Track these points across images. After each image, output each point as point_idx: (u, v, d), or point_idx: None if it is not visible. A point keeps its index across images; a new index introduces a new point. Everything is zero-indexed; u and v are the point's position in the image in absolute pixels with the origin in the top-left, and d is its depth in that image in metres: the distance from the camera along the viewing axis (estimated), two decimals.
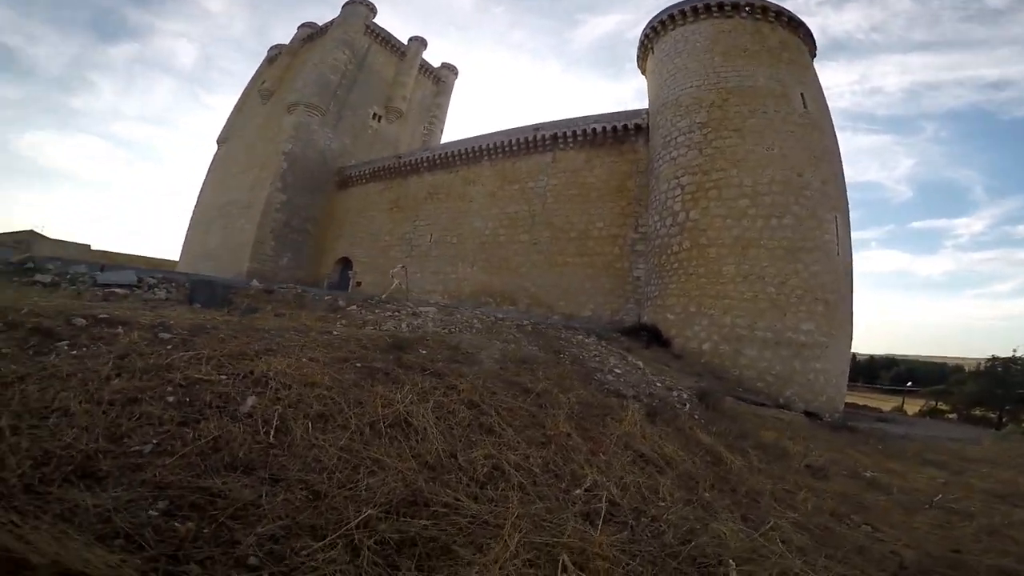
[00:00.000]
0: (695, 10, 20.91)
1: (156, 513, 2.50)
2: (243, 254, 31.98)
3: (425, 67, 45.37)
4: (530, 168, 25.53)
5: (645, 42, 23.93)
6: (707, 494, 4.61)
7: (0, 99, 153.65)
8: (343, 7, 40.13)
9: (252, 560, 2.35)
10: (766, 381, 14.84)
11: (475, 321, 9.99)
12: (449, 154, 29.39)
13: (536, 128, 25.66)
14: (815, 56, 22.47)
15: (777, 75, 18.75)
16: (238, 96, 45.40)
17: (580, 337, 11.83)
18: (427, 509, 3.04)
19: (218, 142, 43.31)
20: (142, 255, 42.55)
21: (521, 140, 25.95)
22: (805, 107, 18.43)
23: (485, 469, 3.76)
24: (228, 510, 2.64)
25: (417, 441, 3.92)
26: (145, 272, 10.13)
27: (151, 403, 3.53)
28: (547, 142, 25.04)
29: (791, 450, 7.52)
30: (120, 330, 4.92)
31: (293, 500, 2.88)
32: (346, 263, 33.42)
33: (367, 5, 40.43)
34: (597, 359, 9.28)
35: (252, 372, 4.37)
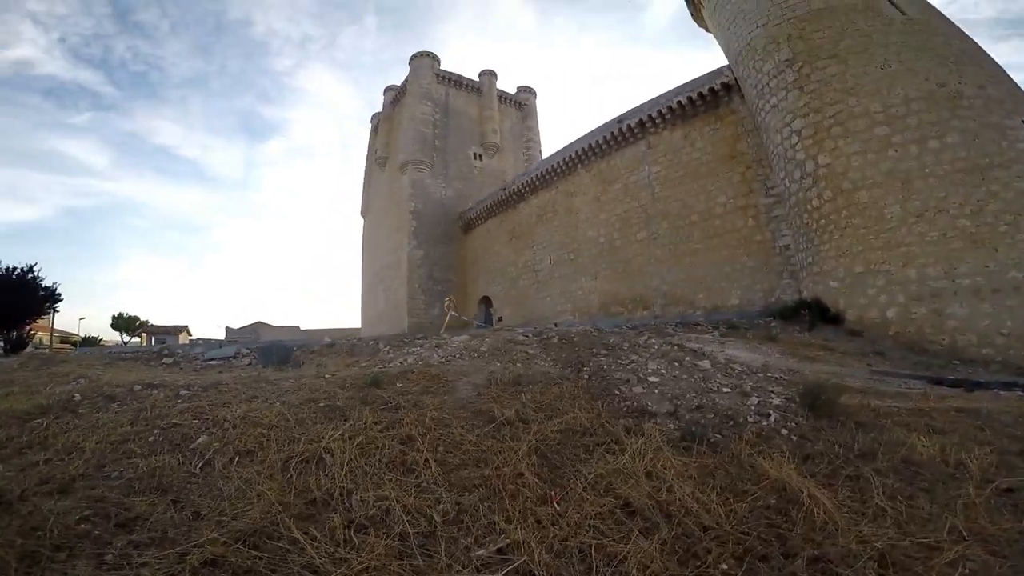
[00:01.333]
0: None
1: (77, 518, 3.22)
2: (403, 311, 35.39)
3: (504, 96, 46.43)
4: (627, 162, 24.30)
5: None
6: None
7: (202, 204, 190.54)
8: (409, 63, 42.55)
9: (108, 557, 2.87)
10: (995, 345, 10.81)
11: (484, 345, 9.19)
12: (545, 171, 29.22)
13: (620, 119, 24.33)
14: None
15: None
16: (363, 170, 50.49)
17: (647, 338, 9.54)
18: (274, 543, 3.01)
19: (362, 215, 48.36)
20: (337, 327, 49.99)
21: (608, 136, 24.85)
22: (904, 13, 15.19)
23: (371, 512, 3.38)
24: (120, 519, 3.28)
25: (319, 477, 3.86)
26: (244, 345, 11.88)
27: (136, 443, 4.58)
28: (635, 131, 23.49)
29: (971, 467, 3.98)
30: (157, 392, 6.17)
31: (175, 518, 3.32)
32: (488, 301, 34.92)
33: (430, 56, 42.38)
34: (632, 366, 6.91)
35: (218, 417, 5.16)
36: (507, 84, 46.46)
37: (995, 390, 7.25)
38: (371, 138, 48.56)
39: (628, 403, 5.66)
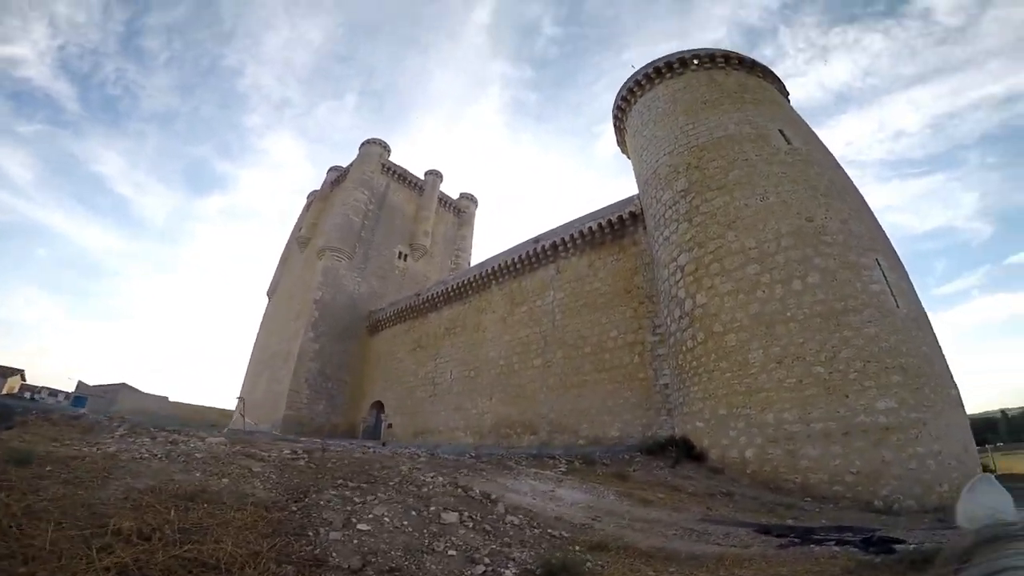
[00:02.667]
0: (648, 77, 20.01)
1: None
2: (281, 402, 31.77)
3: (445, 200, 46.42)
4: (535, 285, 23.88)
5: (617, 124, 22.81)
6: None
7: (114, 250, 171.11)
8: (359, 147, 42.39)
9: None
10: (845, 483, 10.85)
11: (215, 449, 7.75)
12: (461, 284, 28.42)
13: (536, 240, 24.30)
14: (788, 97, 20.66)
15: (746, 118, 16.61)
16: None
17: (408, 468, 7.88)
18: None
19: (268, 295, 44.74)
20: (214, 407, 44.41)
21: (523, 256, 24.57)
22: (789, 143, 15.80)
23: None
24: None
25: None
26: None
27: None
28: (548, 253, 23.44)
29: None
30: None
31: None
32: (381, 406, 32.43)
33: (380, 144, 42.48)
34: (356, 507, 5.34)
35: None
36: (453, 188, 47.47)
37: (825, 538, 6.70)
38: (300, 216, 47.05)
39: (310, 549, 4.28)
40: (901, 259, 14.30)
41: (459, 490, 6.79)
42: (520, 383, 22.61)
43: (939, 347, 12.94)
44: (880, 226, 14.89)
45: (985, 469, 33.06)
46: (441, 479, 7.29)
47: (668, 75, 19.70)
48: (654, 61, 20.38)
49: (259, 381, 37.08)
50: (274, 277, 45.09)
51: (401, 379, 30.92)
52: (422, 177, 45.23)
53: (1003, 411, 50.04)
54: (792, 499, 10.60)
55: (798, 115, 18.69)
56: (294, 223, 47.81)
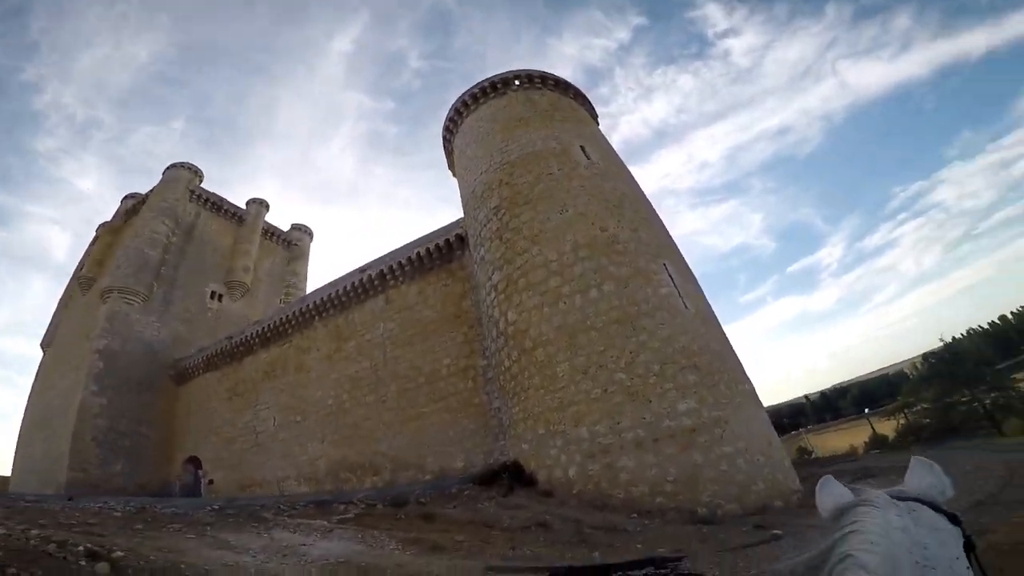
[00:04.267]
0: (475, 97, 20.13)
1: None
2: (62, 465, 26.02)
3: (272, 231, 42.07)
4: (365, 318, 22.33)
5: (447, 146, 22.62)
6: None
7: None
8: (163, 172, 36.84)
9: None
10: (666, 493, 10.67)
11: None
12: (280, 322, 25.73)
13: (362, 269, 22.89)
14: (598, 121, 22.10)
15: (553, 135, 17.31)
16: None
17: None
18: None
19: (42, 347, 36.66)
20: None
21: (349, 287, 22.93)
22: (588, 158, 16.63)
23: None
24: None
25: None
26: None
27: None
28: (376, 282, 22.15)
29: None
30: None
31: None
32: (197, 462, 28.17)
33: (190, 168, 37.29)
34: None
35: None
36: (285, 219, 43.32)
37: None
38: (85, 253, 39.47)
39: None
40: (689, 264, 15.47)
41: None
42: (354, 422, 20.87)
43: (728, 343, 13.82)
44: (668, 234, 16.01)
45: (803, 452, 37.86)
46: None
47: (492, 95, 20.03)
48: (480, 82, 20.57)
49: (34, 443, 30.29)
50: (50, 325, 37.31)
51: (217, 431, 27.08)
52: (242, 206, 40.48)
53: (806, 396, 57.20)
54: (618, 517, 10.22)
55: (600, 133, 19.97)
56: (77, 263, 39.93)
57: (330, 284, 24.40)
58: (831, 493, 1.53)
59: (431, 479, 16.96)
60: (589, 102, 21.78)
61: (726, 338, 13.97)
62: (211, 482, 26.16)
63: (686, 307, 13.11)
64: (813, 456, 33.44)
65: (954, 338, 31.75)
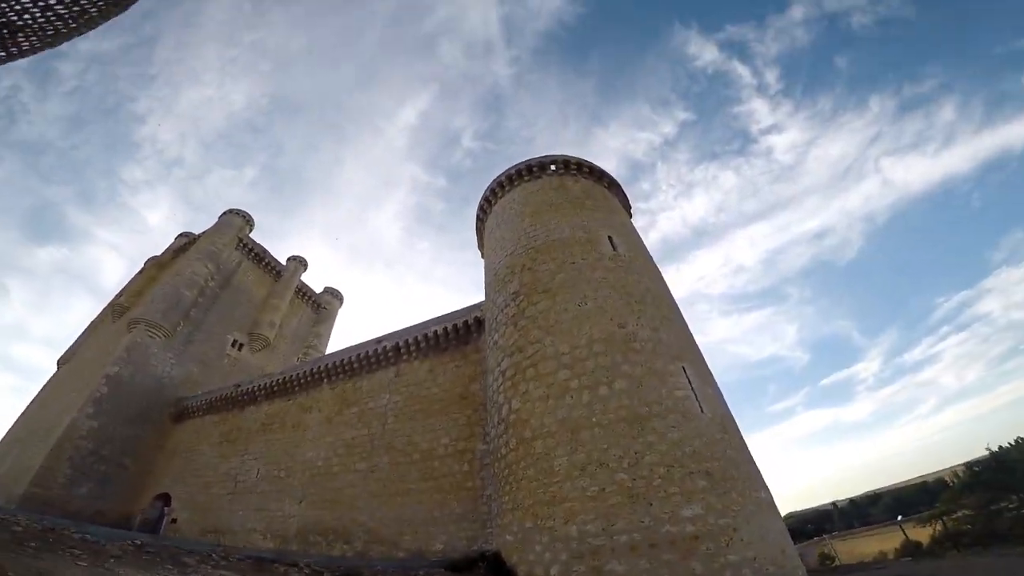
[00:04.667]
0: (510, 179, 20.55)
1: None
2: (24, 479, 25.48)
3: (304, 291, 43.00)
4: (372, 387, 22.29)
5: (479, 226, 22.94)
6: None
7: None
8: (219, 217, 38.31)
9: None
10: None
11: None
12: (288, 379, 25.84)
13: (378, 340, 23.31)
14: (631, 214, 22.21)
15: (582, 223, 17.32)
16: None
17: None
18: None
19: (59, 363, 37.12)
20: None
21: (362, 356, 23.17)
22: (615, 249, 16.50)
23: None
24: None
25: None
26: None
27: None
28: (390, 355, 22.41)
29: None
30: None
31: None
32: (167, 499, 27.56)
33: (242, 215, 38.82)
34: None
35: None
36: (322, 276, 44.43)
37: None
38: (129, 282, 41.03)
39: None
40: (715, 371, 14.82)
41: None
42: (338, 487, 20.25)
43: (746, 450, 12.98)
44: (690, 335, 15.52)
45: (825, 558, 35.38)
46: None
47: (527, 178, 20.59)
48: (517, 164, 21.20)
49: (10, 456, 29.74)
50: (72, 345, 38.11)
51: (198, 473, 26.73)
52: (283, 262, 41.85)
53: (834, 503, 54.52)
54: None
55: (631, 224, 19.95)
56: (118, 290, 41.48)
57: (345, 349, 24.76)
58: None
59: (404, 557, 16.47)
60: (623, 191, 22.07)
61: (744, 445, 13.19)
62: (174, 520, 25.62)
63: (702, 411, 12.49)
64: (835, 563, 31.18)
65: (1001, 447, 30.29)
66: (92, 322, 39.37)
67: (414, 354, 21.69)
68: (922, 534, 31.49)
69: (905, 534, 32.53)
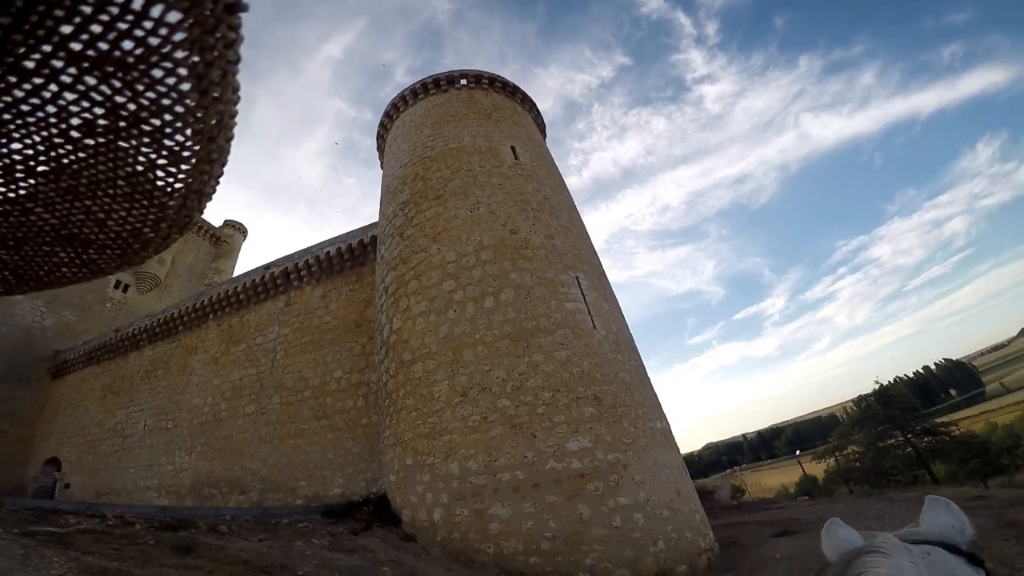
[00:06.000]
0: (414, 92, 18.30)
1: None
2: None
3: (201, 225, 38.88)
4: (260, 320, 19.84)
5: (380, 144, 20.62)
6: None
7: None
8: None
9: None
10: (543, 553, 8.54)
11: None
12: (170, 318, 22.90)
13: (267, 267, 20.49)
14: (545, 132, 20.58)
15: (485, 132, 15.59)
16: None
17: None
18: None
19: None
20: None
21: (248, 285, 20.42)
22: (516, 159, 14.87)
23: None
24: None
25: None
26: None
27: None
28: (279, 281, 19.77)
29: None
30: None
31: None
32: (58, 463, 25.07)
33: None
34: None
35: None
36: (231, 215, 40.32)
37: None
38: None
39: None
40: (607, 278, 13.67)
41: None
42: (227, 434, 18.24)
43: (644, 373, 11.93)
44: (591, 246, 14.31)
45: (736, 490, 37.70)
46: None
47: (433, 91, 18.26)
48: (425, 78, 18.78)
49: None
50: None
51: (84, 431, 24.13)
52: None
53: (744, 435, 58.52)
54: None
55: (539, 138, 18.32)
56: None
57: (231, 280, 21.90)
58: (837, 538, 1.36)
59: (301, 504, 14.76)
60: (537, 110, 20.23)
61: (640, 367, 12.01)
62: (67, 486, 23.47)
63: (594, 327, 11.11)
64: (743, 498, 32.88)
65: (888, 383, 32.22)
66: None
67: (305, 279, 19.30)
68: (817, 469, 33.42)
69: (803, 468, 34.51)
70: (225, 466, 17.78)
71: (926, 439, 26.91)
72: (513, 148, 15.33)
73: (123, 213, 1.12)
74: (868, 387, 32.11)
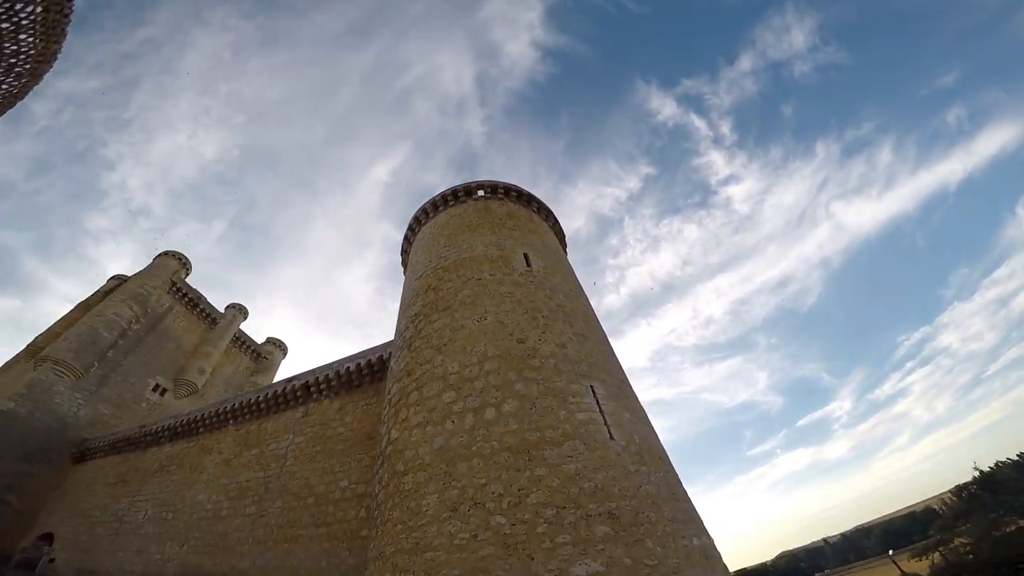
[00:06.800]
0: (435, 205, 19.30)
1: None
2: None
3: (243, 340, 40.67)
4: (277, 428, 20.15)
5: (404, 257, 21.53)
6: None
7: None
8: (154, 258, 36.41)
9: None
10: None
11: None
12: (193, 420, 23.57)
13: (290, 380, 21.34)
14: (565, 242, 20.94)
15: (498, 241, 15.86)
16: None
17: None
18: None
19: None
20: None
21: (270, 395, 21.03)
22: (528, 266, 14.93)
23: None
24: None
25: None
26: None
27: None
28: (299, 393, 20.29)
29: None
30: None
31: None
32: (51, 538, 25.44)
33: (178, 257, 36.86)
34: None
35: None
36: (262, 330, 42.51)
37: None
38: (52, 325, 38.15)
39: None
40: (629, 386, 12.88)
41: None
42: (223, 531, 17.91)
43: (676, 486, 10.66)
44: (611, 353, 13.67)
45: None
46: None
47: (452, 203, 19.36)
48: (445, 190, 19.93)
49: None
50: None
51: (87, 513, 24.50)
52: (221, 310, 39.75)
53: (825, 539, 52.70)
54: None
55: (555, 244, 18.56)
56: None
57: (255, 390, 22.82)
58: None
59: None
60: (555, 219, 20.78)
61: (674, 480, 10.81)
62: (52, 560, 23.67)
63: (611, 437, 10.23)
64: None
65: (989, 467, 28.74)
66: (7, 362, 36.51)
67: (324, 392, 19.70)
68: (918, 567, 30.02)
69: (899, 567, 30.89)
70: (215, 562, 17.26)
71: None
72: (526, 255, 15.52)
73: None
74: (964, 476, 29.65)
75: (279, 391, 20.74)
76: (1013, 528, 24.89)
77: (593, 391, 11.21)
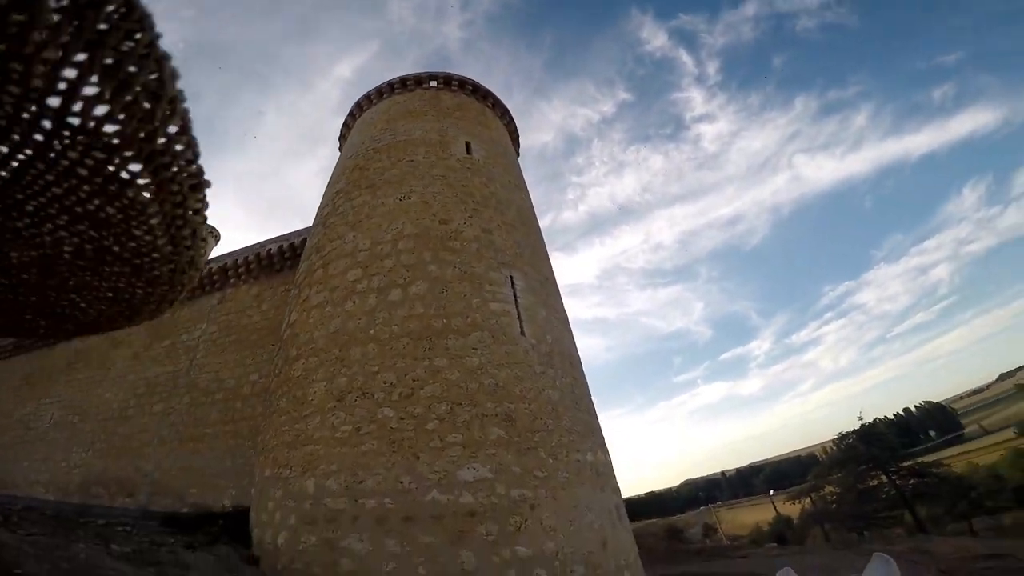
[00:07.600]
0: (379, 92, 17.23)
1: None
2: None
3: None
4: (191, 316, 18.37)
5: (341, 143, 19.42)
6: None
7: None
8: None
9: None
10: None
11: None
12: None
13: (208, 262, 19.35)
14: (518, 141, 19.41)
15: (440, 127, 14.31)
16: None
17: None
18: None
19: None
20: None
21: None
22: (469, 153, 13.49)
23: None
24: None
25: None
26: None
27: None
28: (215, 277, 18.50)
29: None
30: None
31: None
32: None
33: None
34: None
35: None
36: (232, 235, 40.13)
37: None
38: None
39: None
40: (554, 284, 12.03)
41: None
42: (129, 432, 16.59)
43: (582, 395, 9.99)
44: (543, 250, 12.79)
45: (710, 528, 35.83)
46: None
47: (399, 90, 17.24)
48: (399, 77, 17.72)
49: None
50: None
51: None
52: None
53: (723, 472, 56.89)
54: None
55: (505, 141, 17.10)
56: None
57: None
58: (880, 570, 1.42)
59: (188, 512, 13.10)
60: (510, 116, 18.95)
61: (581, 388, 10.11)
62: None
63: (522, 332, 9.31)
64: (718, 532, 32.22)
65: (872, 422, 30.75)
66: None
67: (243, 276, 18.04)
68: (792, 509, 32.26)
69: (776, 509, 33.34)
70: (119, 465, 16.04)
71: (911, 480, 25.14)
72: (468, 144, 14.02)
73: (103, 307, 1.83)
74: (850, 426, 30.95)
75: (199, 277, 18.72)
76: (875, 483, 26.15)
77: (512, 282, 10.16)
